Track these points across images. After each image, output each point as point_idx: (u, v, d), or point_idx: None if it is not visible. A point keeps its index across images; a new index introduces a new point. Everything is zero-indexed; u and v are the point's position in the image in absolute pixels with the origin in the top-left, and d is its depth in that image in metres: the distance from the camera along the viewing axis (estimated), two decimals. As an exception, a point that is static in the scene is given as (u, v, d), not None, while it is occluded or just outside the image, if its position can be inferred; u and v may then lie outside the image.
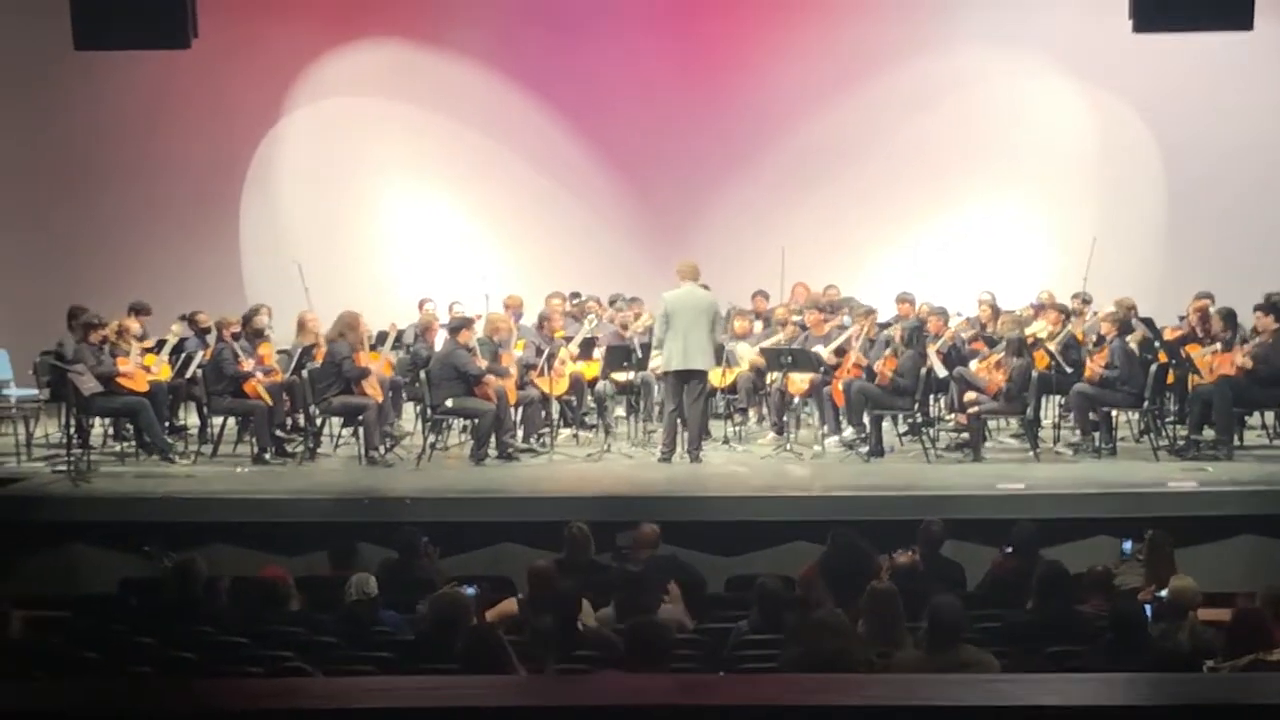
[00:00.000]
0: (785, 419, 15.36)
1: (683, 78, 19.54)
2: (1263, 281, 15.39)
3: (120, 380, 14.50)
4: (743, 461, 14.75)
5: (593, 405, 16.11)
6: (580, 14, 19.61)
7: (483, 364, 14.60)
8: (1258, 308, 14.38)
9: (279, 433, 15.04)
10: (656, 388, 15.60)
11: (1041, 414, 15.28)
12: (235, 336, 15.15)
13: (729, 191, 19.64)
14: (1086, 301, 16.20)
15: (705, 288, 14.69)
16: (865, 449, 14.51)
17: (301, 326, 15.64)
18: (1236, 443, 14.34)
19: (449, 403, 14.51)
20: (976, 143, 19.50)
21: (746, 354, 15.88)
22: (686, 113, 19.54)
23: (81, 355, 14.44)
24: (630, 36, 19.58)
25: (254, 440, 14.79)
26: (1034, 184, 19.58)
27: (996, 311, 16.12)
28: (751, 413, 16.50)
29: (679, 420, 14.51)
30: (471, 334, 14.88)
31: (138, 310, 15.76)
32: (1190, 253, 17.60)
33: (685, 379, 14.30)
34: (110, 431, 15.69)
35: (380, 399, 14.71)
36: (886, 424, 15.02)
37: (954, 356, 15.30)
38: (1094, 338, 15.05)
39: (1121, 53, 17.69)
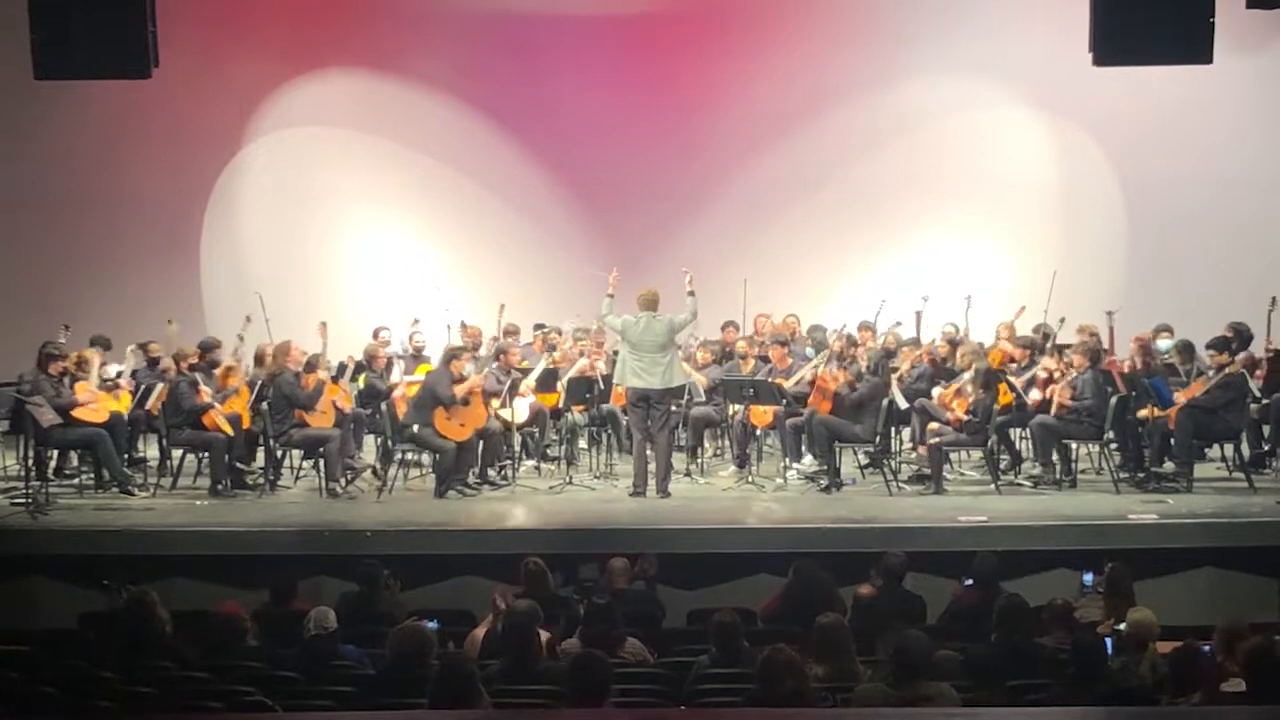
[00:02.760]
0: (748, 451, 15.37)
1: (645, 110, 19.59)
2: (1222, 311, 15.46)
3: (78, 413, 14.41)
4: (704, 494, 14.74)
5: (555, 437, 16.07)
6: (542, 47, 19.65)
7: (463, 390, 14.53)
8: (1210, 345, 14.46)
9: (239, 464, 14.96)
10: (623, 418, 15.58)
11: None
12: (192, 368, 15.07)
13: (691, 222, 19.67)
14: (1046, 335, 16.20)
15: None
16: (825, 481, 14.49)
17: (260, 359, 15.59)
18: (1195, 475, 14.39)
19: (415, 428, 14.45)
20: (938, 174, 19.58)
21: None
22: (649, 144, 19.57)
23: (40, 387, 14.36)
24: (592, 70, 19.64)
25: (211, 472, 14.76)
26: (995, 215, 19.66)
27: (956, 345, 16.11)
28: (709, 445, 16.53)
29: (648, 451, 14.50)
30: (464, 363, 14.81)
31: (98, 344, 15.69)
32: (1150, 283, 17.67)
33: (647, 405, 14.26)
34: (74, 463, 15.59)
35: (330, 426, 14.67)
36: (847, 455, 15.03)
37: (914, 387, 15.33)
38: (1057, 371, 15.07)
39: (1082, 85, 17.76)
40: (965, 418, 14.29)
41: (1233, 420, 14.22)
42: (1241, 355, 14.63)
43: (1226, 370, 14.08)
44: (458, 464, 14.54)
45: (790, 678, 7.45)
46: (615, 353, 15.43)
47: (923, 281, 17.37)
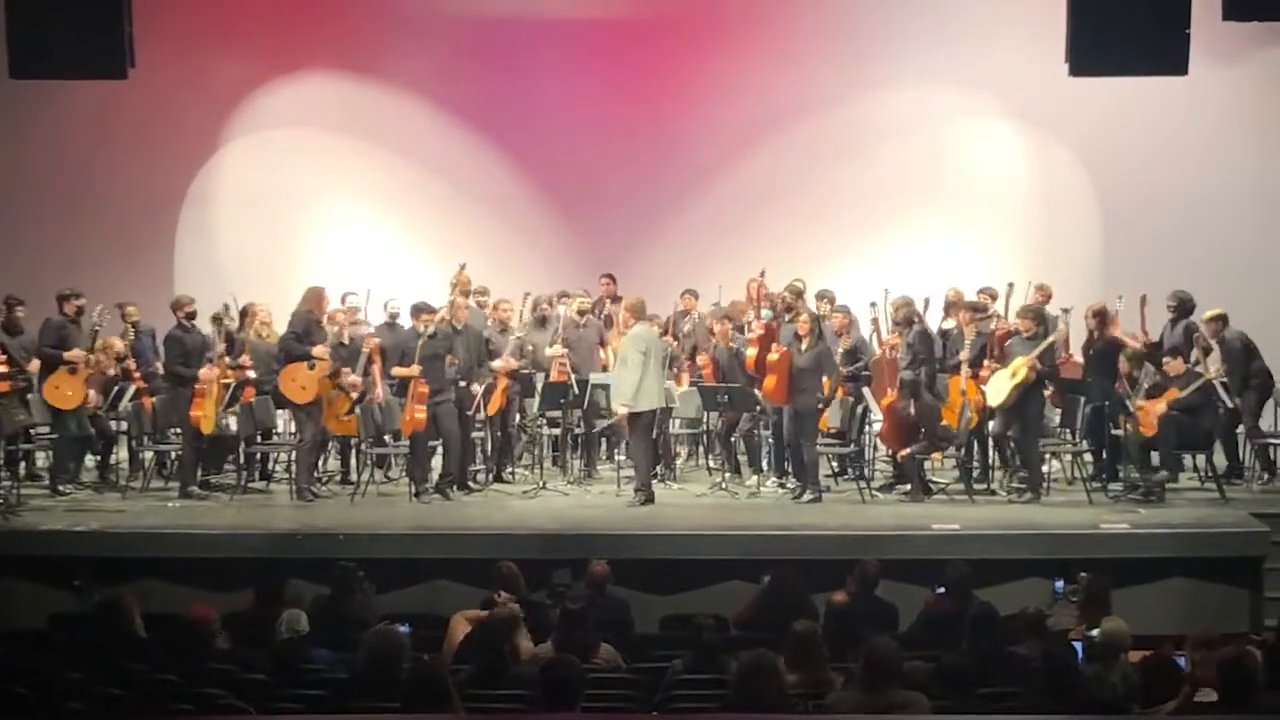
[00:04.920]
0: (732, 451, 15.37)
1: (620, 115, 19.54)
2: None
3: (48, 396, 14.39)
4: (678, 500, 14.74)
5: (529, 442, 16.05)
6: (522, 50, 19.58)
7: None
8: (1167, 352, 14.49)
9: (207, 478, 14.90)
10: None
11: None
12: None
13: (666, 228, 19.64)
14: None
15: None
16: (809, 495, 14.44)
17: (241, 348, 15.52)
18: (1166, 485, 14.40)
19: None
20: (914, 183, 19.55)
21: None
22: (624, 149, 19.53)
23: (69, 334, 14.72)
24: (572, 74, 19.59)
25: (180, 474, 14.76)
26: (972, 224, 19.63)
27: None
28: (684, 451, 16.56)
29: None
30: (422, 324, 14.65)
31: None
32: (1125, 293, 17.64)
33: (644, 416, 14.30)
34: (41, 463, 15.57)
35: (310, 399, 14.62)
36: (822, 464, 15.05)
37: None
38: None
39: (1058, 95, 17.80)
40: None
41: (1209, 426, 14.25)
42: (1216, 367, 14.65)
43: (1205, 378, 14.09)
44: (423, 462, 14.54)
45: (771, 683, 7.45)
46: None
47: (899, 289, 17.31)
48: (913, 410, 14.22)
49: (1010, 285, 15.63)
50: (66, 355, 14.49)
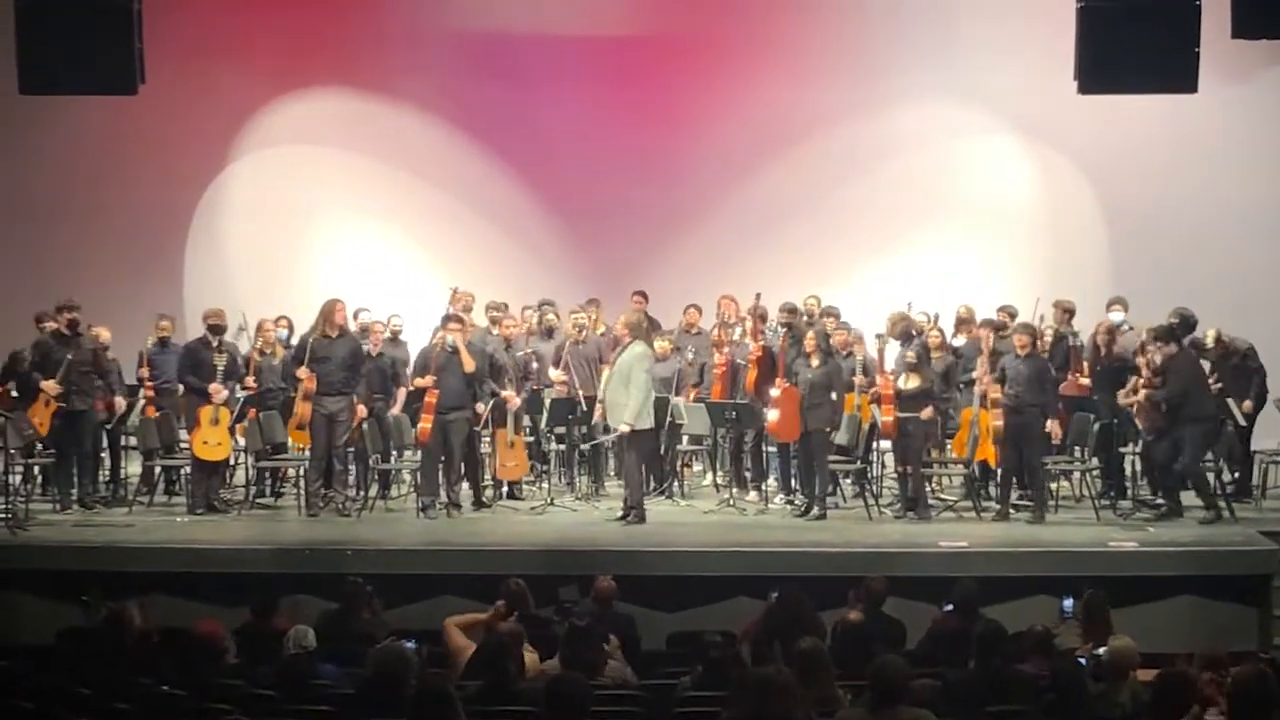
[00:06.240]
0: (743, 470, 15.35)
1: (628, 133, 19.56)
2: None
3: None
4: (685, 517, 14.72)
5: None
6: (528, 68, 19.64)
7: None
8: (1157, 336, 14.31)
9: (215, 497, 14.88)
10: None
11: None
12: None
13: (670, 246, 19.64)
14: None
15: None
16: (815, 512, 14.41)
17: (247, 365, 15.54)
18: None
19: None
20: (922, 200, 19.57)
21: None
22: (629, 167, 19.55)
23: (51, 353, 14.51)
24: (578, 91, 19.65)
25: (188, 493, 14.78)
26: (979, 242, 19.63)
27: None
28: (693, 466, 16.56)
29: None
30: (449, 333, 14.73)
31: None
32: (1133, 310, 17.64)
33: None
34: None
35: (298, 424, 14.64)
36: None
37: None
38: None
39: (1065, 111, 17.80)
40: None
41: (1209, 408, 14.09)
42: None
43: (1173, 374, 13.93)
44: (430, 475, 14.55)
45: (788, 700, 7.42)
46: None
47: (908, 304, 17.34)
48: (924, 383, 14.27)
49: (1042, 317, 15.55)
50: (42, 384, 14.43)
